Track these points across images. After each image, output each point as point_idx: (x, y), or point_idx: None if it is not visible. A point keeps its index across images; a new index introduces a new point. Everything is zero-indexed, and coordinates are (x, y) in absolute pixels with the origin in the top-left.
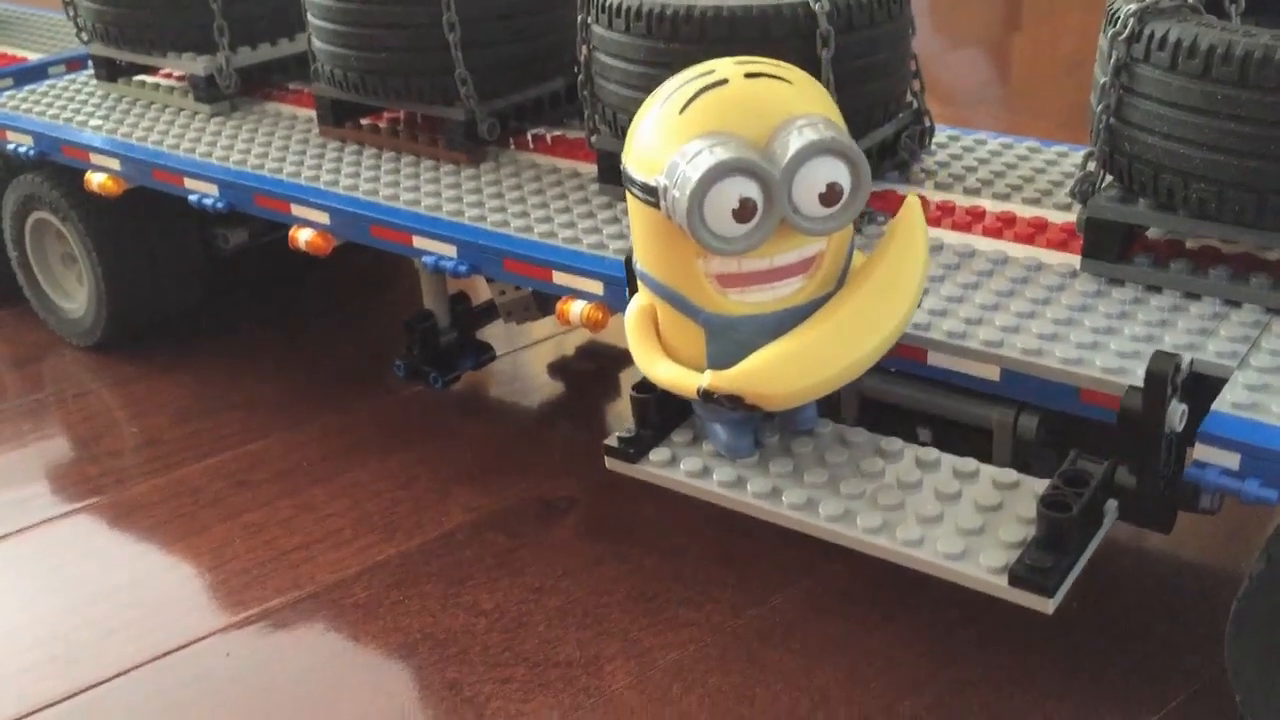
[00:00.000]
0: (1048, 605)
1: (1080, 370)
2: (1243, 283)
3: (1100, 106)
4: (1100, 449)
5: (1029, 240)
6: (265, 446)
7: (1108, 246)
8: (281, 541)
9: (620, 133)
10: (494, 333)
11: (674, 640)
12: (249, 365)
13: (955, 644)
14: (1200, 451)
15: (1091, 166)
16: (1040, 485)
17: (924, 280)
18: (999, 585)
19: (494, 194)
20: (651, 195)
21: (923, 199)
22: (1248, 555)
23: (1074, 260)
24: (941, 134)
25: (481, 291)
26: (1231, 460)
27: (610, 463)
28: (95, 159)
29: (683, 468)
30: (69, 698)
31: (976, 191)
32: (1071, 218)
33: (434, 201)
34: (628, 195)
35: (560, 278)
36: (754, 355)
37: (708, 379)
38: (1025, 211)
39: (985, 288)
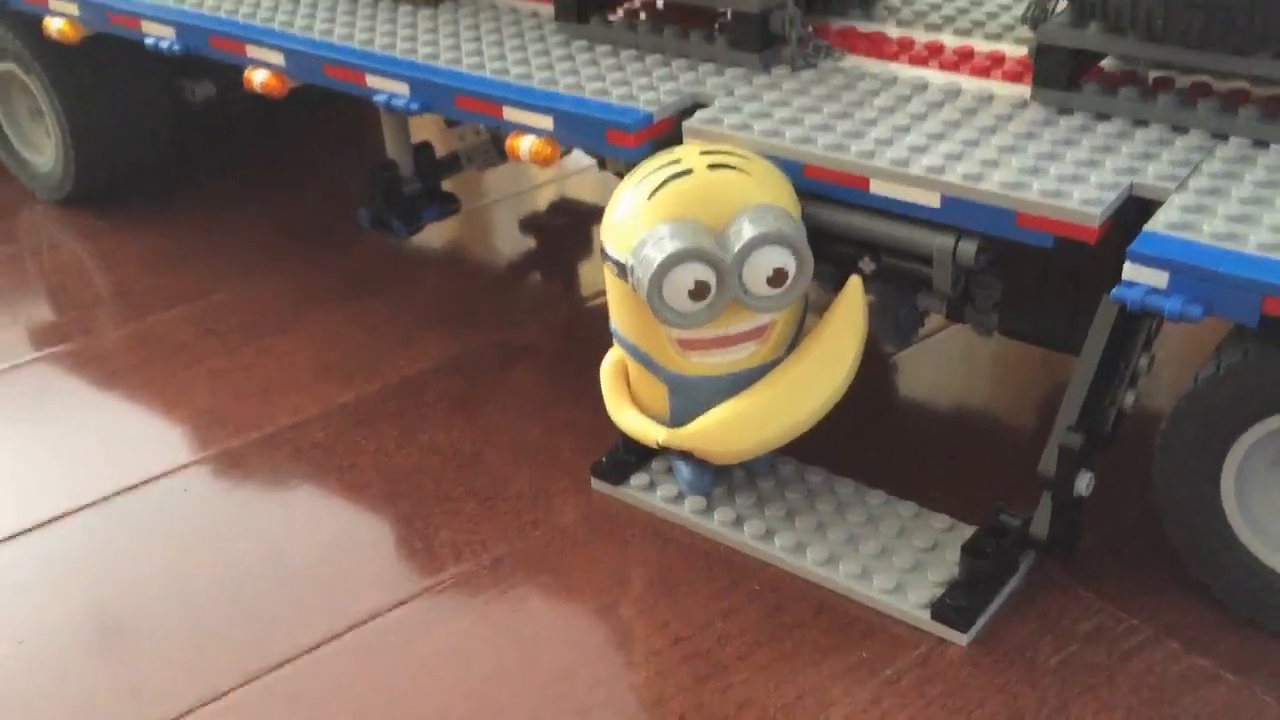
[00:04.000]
0: (962, 639)
1: (1017, 194)
2: (1190, 109)
3: None
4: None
5: (984, 73)
6: (231, 296)
7: (1058, 74)
8: (243, 386)
9: None
10: (467, 188)
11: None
12: (217, 218)
13: None
14: (1129, 271)
15: None
16: (969, 532)
17: (859, 354)
18: (924, 619)
19: (450, 33)
20: (621, 270)
21: (883, 35)
22: None
23: (1026, 92)
24: None
25: (450, 144)
26: (1160, 279)
27: (595, 482)
28: (53, 4)
29: (658, 494)
30: (27, 531)
31: (938, 27)
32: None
33: (389, 41)
34: (604, 265)
35: (510, 113)
36: (705, 416)
37: (663, 436)
38: (984, 46)
39: (934, 118)
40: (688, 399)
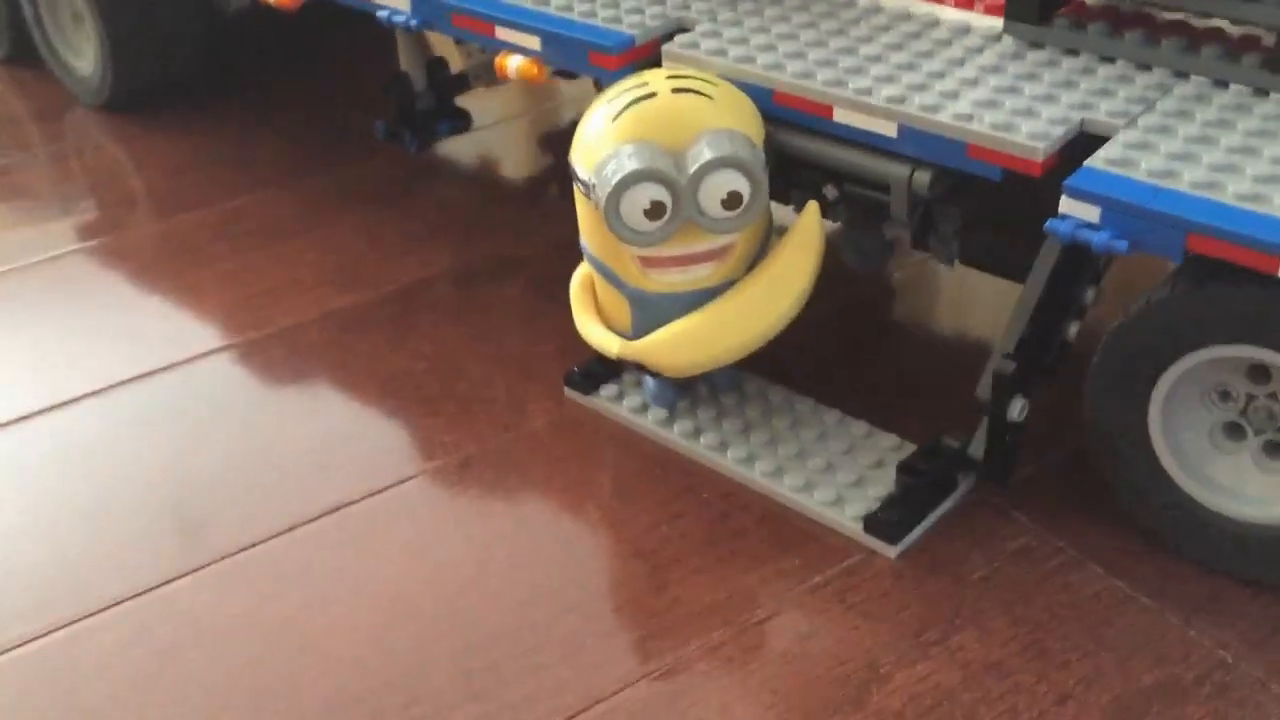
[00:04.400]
0: (890, 551)
1: (969, 126)
2: (1154, 46)
3: None
4: (995, 214)
5: (968, 4)
6: (249, 202)
7: (1028, 8)
8: (251, 287)
9: None
10: (484, 105)
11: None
12: (244, 125)
13: None
14: (1065, 205)
15: None
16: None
17: (812, 279)
18: (858, 531)
19: None
20: (586, 188)
21: None
22: None
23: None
24: None
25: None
26: (1092, 214)
27: (569, 391)
28: None
29: (625, 404)
30: (48, 410)
31: None
32: None
33: None
34: (574, 184)
35: (501, 33)
36: (657, 331)
37: (616, 348)
38: None
39: (908, 49)
40: (649, 314)
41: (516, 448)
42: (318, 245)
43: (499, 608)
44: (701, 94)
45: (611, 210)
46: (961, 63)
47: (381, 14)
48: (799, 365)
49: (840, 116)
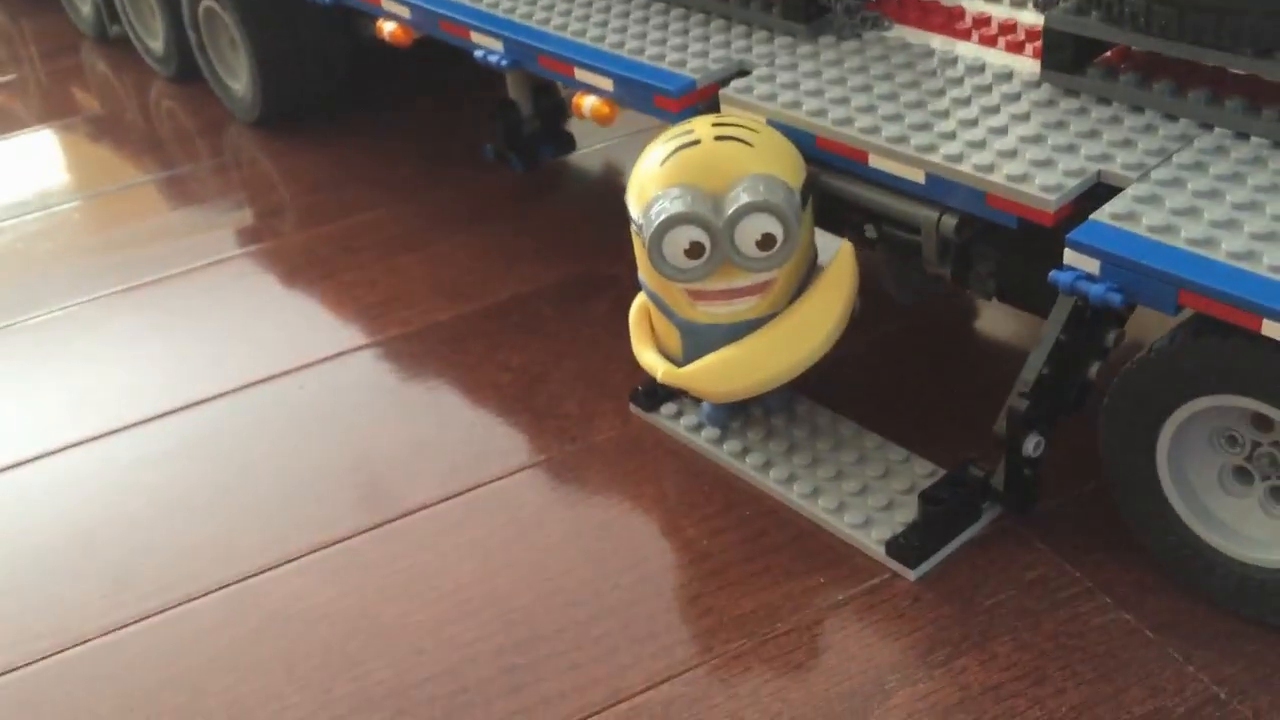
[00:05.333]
0: (910, 575)
1: (988, 176)
2: (1181, 97)
3: None
4: (1026, 255)
5: (1018, 49)
6: (373, 217)
7: (1063, 57)
8: (365, 299)
9: None
10: (588, 128)
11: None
12: (374, 144)
13: None
14: (1069, 256)
15: None
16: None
17: (844, 315)
18: (880, 553)
19: None
20: (638, 227)
21: (936, 4)
22: None
23: None
24: None
25: None
26: (1093, 266)
27: (633, 407)
28: None
29: (682, 422)
30: (182, 409)
31: None
32: None
33: None
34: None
35: (580, 74)
36: (699, 360)
37: (661, 373)
38: (1030, 19)
39: (948, 95)
40: (697, 342)
41: (580, 460)
42: (430, 260)
43: (547, 607)
44: (742, 141)
45: (655, 249)
46: (996, 110)
47: (478, 54)
48: (851, 388)
49: (875, 162)
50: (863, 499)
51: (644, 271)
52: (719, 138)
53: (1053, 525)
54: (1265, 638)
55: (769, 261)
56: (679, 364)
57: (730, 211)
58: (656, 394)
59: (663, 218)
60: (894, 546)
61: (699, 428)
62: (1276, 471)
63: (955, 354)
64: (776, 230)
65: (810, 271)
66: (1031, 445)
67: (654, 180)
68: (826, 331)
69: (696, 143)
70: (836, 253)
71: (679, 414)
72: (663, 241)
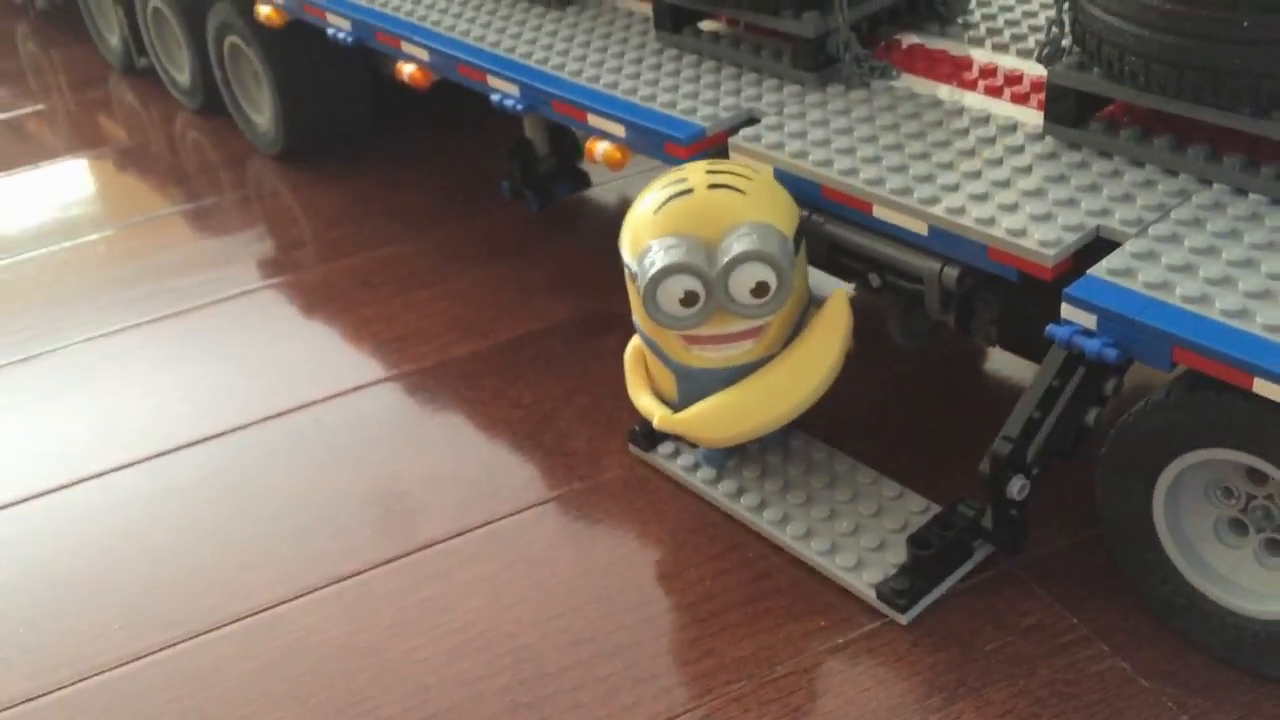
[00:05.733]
0: (901, 619)
1: (989, 230)
2: (1181, 152)
3: None
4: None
5: (1023, 100)
6: (392, 252)
7: (1065, 111)
8: (382, 334)
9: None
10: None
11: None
12: (394, 178)
13: None
14: (1066, 310)
15: (1055, 31)
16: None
17: (838, 360)
18: (870, 596)
19: (565, 37)
20: (631, 274)
21: (944, 54)
22: None
23: None
24: None
25: None
26: (1090, 321)
27: (631, 447)
28: None
29: (679, 462)
30: (199, 442)
31: (1003, 48)
32: None
33: (512, 44)
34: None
35: (593, 119)
36: (694, 406)
37: (657, 419)
38: (1035, 71)
39: (952, 146)
40: (692, 386)
41: (587, 498)
42: (445, 295)
43: (553, 645)
44: (735, 189)
45: (650, 299)
46: (999, 162)
47: (494, 97)
48: (849, 424)
49: (878, 213)
50: (855, 539)
51: (638, 316)
52: (712, 185)
53: (1052, 570)
54: (1259, 688)
55: (763, 309)
56: (675, 407)
57: (724, 261)
58: (654, 434)
59: (657, 268)
60: (884, 591)
61: (695, 468)
62: (1271, 524)
63: (959, 392)
64: (770, 278)
65: (804, 314)
66: (1016, 488)
67: (648, 228)
68: (822, 376)
69: (690, 191)
70: (831, 297)
71: (676, 454)
72: (657, 291)
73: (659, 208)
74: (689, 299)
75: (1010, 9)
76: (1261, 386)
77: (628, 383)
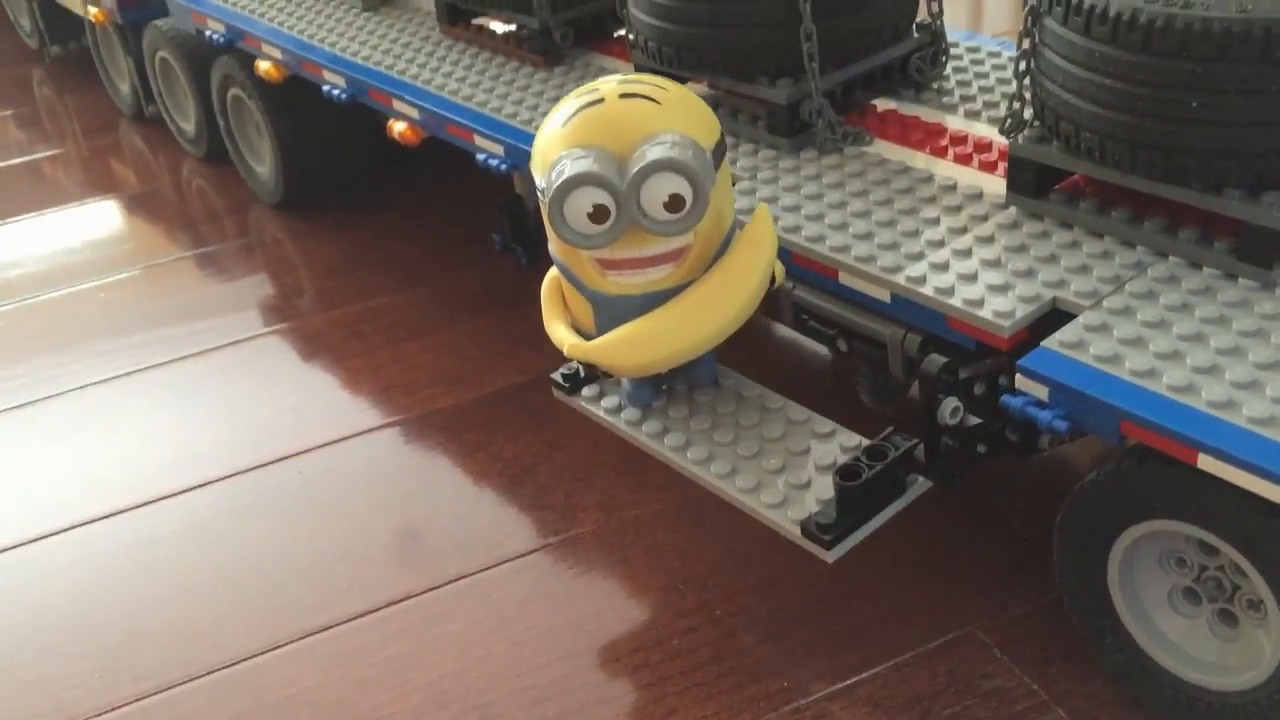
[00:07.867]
0: (827, 556)
1: (948, 300)
2: (1137, 225)
3: (1020, 50)
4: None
5: (991, 168)
6: (384, 303)
7: (1026, 181)
8: (369, 385)
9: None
10: None
11: (642, 499)
12: (389, 229)
13: None
14: (1020, 382)
15: (1016, 105)
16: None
17: (762, 283)
18: (795, 534)
19: (551, 99)
20: (541, 193)
21: (917, 120)
22: None
23: None
24: (963, 44)
25: None
26: (1042, 392)
27: (555, 392)
28: (263, 48)
29: (603, 404)
30: (182, 492)
31: (975, 115)
32: None
33: (499, 104)
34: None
35: None
36: (608, 334)
37: (568, 348)
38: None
39: (918, 215)
40: (609, 316)
41: (562, 554)
42: (433, 347)
43: (518, 703)
44: (649, 99)
45: (556, 214)
46: (962, 231)
47: (480, 156)
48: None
49: (844, 280)
50: (781, 476)
51: (552, 241)
52: (625, 95)
53: (1013, 635)
54: None
55: (678, 225)
56: (591, 339)
57: (634, 171)
58: (579, 377)
59: (562, 179)
60: (809, 528)
61: (619, 409)
62: (1223, 595)
63: None
64: (685, 190)
65: (727, 240)
66: (948, 411)
67: (556, 142)
68: (744, 297)
69: (601, 101)
70: (753, 216)
71: (600, 396)
72: (564, 205)
73: (568, 120)
74: (598, 214)
75: (985, 76)
76: (1206, 462)
77: (543, 312)
